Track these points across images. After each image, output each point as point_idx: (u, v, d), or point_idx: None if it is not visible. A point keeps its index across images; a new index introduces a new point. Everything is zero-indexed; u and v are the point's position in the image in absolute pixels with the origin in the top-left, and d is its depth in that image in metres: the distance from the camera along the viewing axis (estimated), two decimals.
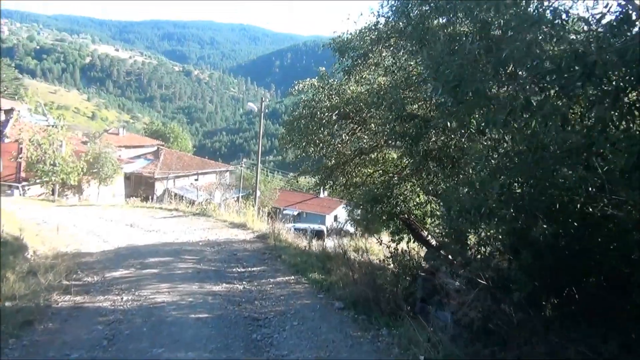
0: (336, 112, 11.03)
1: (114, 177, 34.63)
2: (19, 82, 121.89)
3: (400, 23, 8.83)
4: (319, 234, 25.58)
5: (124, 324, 7.08)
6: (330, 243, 15.15)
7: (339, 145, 11.79)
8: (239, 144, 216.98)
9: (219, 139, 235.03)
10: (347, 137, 11.74)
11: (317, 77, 12.23)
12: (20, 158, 28.82)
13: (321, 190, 68.16)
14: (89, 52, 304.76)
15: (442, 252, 7.92)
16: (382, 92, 9.38)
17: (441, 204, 8.77)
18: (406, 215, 11.47)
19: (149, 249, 12.41)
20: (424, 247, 11.56)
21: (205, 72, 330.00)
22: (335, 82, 11.74)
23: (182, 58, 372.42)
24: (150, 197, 56.44)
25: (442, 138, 8.41)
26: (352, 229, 56.07)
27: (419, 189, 10.59)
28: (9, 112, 39.77)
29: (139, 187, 54.44)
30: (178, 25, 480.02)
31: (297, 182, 36.49)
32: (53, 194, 31.15)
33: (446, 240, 7.41)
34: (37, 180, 29.61)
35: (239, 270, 10.69)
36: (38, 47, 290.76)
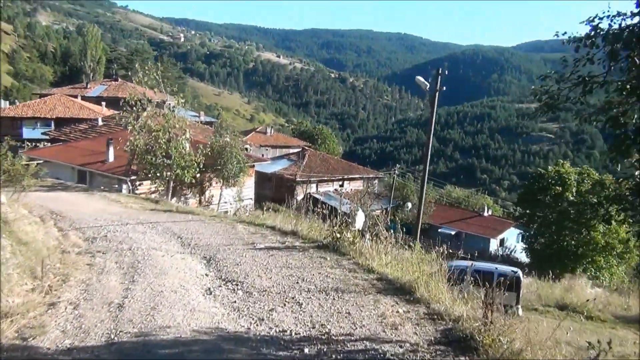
0: None
1: (239, 177, 28.56)
2: (182, 81, 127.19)
3: None
4: (509, 285, 16.57)
5: None
6: None
7: None
8: (388, 152, 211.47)
9: (369, 146, 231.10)
10: None
11: None
12: (127, 147, 23.66)
13: (485, 208, 58.04)
14: (252, 58, 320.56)
15: None
16: None
17: None
18: None
19: None
20: None
21: (360, 79, 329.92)
22: None
23: (338, 66, 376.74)
24: (289, 203, 50.98)
25: None
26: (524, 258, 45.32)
27: None
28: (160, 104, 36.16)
29: (280, 189, 49.12)
30: (337, 34, 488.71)
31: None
32: (167, 193, 25.76)
33: None
34: (148, 175, 24.33)
35: None
36: (208, 53, 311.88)
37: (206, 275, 8.59)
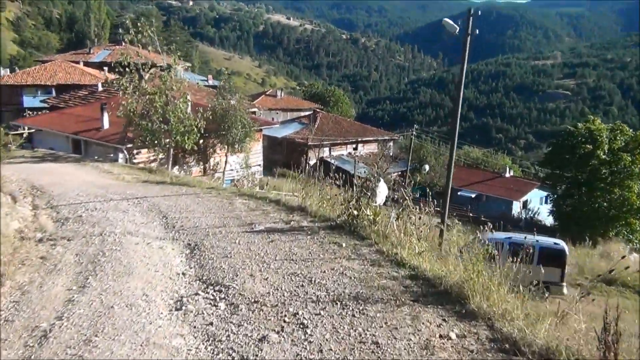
0: None
1: (245, 143, 26.30)
2: (190, 45, 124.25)
3: None
4: (552, 260, 14.22)
5: None
6: None
7: None
8: (402, 113, 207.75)
9: (382, 107, 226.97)
10: None
11: None
12: (120, 113, 21.48)
13: (507, 169, 55.41)
14: (262, 21, 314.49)
15: None
16: None
17: None
18: None
19: None
20: None
21: (372, 40, 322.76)
22: None
23: (350, 26, 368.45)
24: (301, 168, 48.54)
25: None
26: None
27: None
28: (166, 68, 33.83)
29: (291, 154, 47.00)
30: None
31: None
32: (168, 161, 23.73)
33: None
34: (145, 143, 22.22)
35: None
36: (217, 16, 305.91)
37: (183, 274, 6.49)
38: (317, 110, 55.64)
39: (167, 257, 7.28)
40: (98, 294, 5.74)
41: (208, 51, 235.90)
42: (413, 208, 8.17)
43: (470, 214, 39.10)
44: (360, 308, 5.14)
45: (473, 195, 49.30)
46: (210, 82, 69.18)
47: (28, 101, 47.97)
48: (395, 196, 8.74)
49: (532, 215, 46.54)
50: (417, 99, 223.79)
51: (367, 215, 8.61)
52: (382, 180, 8.88)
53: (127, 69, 21.79)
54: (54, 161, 22.03)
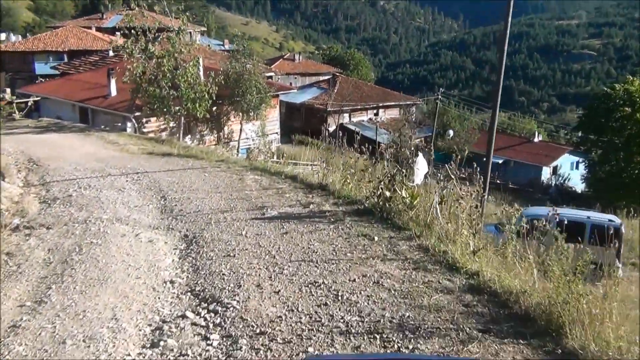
0: None
1: (260, 110, 24.58)
2: (205, 10, 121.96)
3: None
4: (606, 238, 12.46)
5: None
6: None
7: None
8: (422, 76, 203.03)
9: (401, 71, 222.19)
10: None
11: None
12: (126, 78, 19.95)
13: (535, 134, 53.00)
14: None
15: None
16: None
17: None
18: None
19: None
20: None
21: (391, 1, 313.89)
22: None
23: None
24: (320, 135, 46.86)
25: None
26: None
27: None
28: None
29: (310, 121, 45.28)
30: None
31: None
32: (179, 130, 22.27)
33: None
34: (154, 110, 20.71)
35: None
36: None
37: (171, 283, 5.02)
38: (337, 74, 53.47)
39: (155, 256, 5.82)
40: (54, 316, 4.30)
41: (225, 16, 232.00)
42: (459, 187, 6.56)
43: (498, 181, 37.21)
44: (410, 346, 3.62)
45: (500, 161, 47.15)
46: (227, 46, 67.13)
47: (40, 68, 46.66)
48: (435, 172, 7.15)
49: (562, 181, 44.40)
50: (438, 62, 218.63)
51: (403, 197, 7.03)
52: (420, 154, 7.25)
53: (132, 32, 20.24)
54: (58, 131, 20.68)
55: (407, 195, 7.03)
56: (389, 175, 7.23)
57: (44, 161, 13.68)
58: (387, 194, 7.19)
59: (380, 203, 7.15)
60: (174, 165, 12.50)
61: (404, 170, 7.37)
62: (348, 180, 8.75)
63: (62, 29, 52.40)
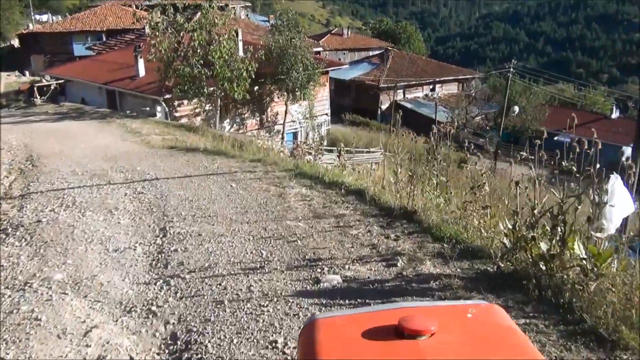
0: None
1: (308, 88, 21.29)
2: None
3: None
4: None
5: None
6: None
7: None
8: (473, 50, 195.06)
9: (451, 44, 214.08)
10: None
11: None
12: (151, 56, 17.10)
13: (613, 109, 47.58)
14: None
15: None
16: None
17: None
18: None
19: None
20: None
21: None
22: None
23: None
24: (374, 115, 43.54)
25: None
26: None
27: None
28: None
29: (361, 98, 41.85)
30: None
31: None
32: (216, 114, 19.37)
33: None
34: (185, 92, 17.82)
35: None
36: None
37: None
38: (389, 48, 49.51)
39: None
40: None
41: None
42: None
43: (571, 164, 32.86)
44: None
45: (567, 140, 42.38)
46: (272, 21, 63.98)
47: (78, 49, 44.73)
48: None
49: None
50: (489, 35, 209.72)
51: (578, 258, 3.68)
52: (617, 177, 3.89)
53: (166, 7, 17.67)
54: (77, 118, 18.07)
55: (587, 255, 3.66)
56: (550, 211, 3.88)
57: (43, 159, 11.10)
58: (544, 247, 3.85)
59: (534, 266, 3.83)
60: (195, 167, 9.43)
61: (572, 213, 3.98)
62: (446, 202, 5.45)
63: (100, 7, 50.30)
